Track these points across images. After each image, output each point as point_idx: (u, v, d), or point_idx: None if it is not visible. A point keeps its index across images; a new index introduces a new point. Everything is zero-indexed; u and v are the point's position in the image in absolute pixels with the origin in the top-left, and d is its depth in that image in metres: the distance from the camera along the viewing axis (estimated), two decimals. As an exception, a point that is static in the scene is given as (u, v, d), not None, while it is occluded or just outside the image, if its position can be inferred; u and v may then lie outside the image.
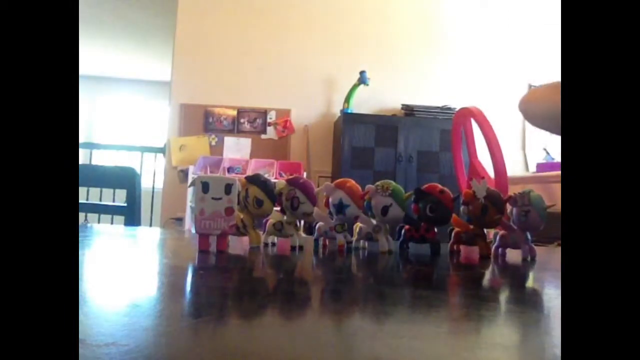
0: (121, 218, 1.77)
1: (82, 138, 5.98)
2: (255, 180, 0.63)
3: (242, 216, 0.63)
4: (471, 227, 0.66)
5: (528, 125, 3.20)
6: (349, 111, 3.10)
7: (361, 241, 0.68)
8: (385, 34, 3.40)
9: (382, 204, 0.63)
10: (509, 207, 0.63)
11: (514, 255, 0.64)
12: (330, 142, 3.35)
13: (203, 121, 3.33)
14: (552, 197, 0.63)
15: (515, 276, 0.55)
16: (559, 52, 3.06)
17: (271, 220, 0.65)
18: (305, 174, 2.96)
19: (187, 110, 3.33)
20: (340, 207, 0.65)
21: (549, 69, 3.31)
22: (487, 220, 0.63)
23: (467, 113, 1.04)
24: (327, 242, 0.69)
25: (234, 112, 3.36)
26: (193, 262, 0.50)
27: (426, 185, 0.67)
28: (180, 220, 3.05)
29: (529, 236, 0.62)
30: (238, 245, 0.65)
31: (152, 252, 0.60)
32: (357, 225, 0.68)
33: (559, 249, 0.87)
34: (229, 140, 3.34)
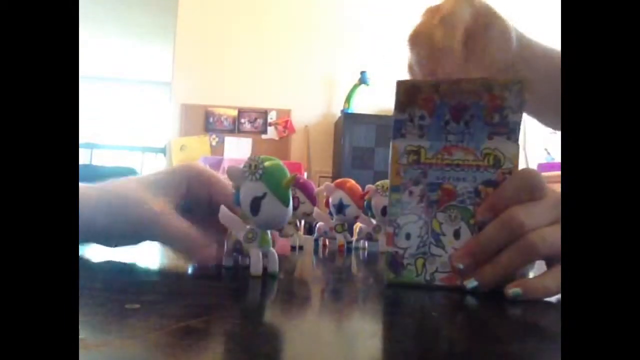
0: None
1: (83, 138, 5.99)
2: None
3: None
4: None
5: (528, 125, 3.20)
6: (350, 111, 3.10)
7: (361, 241, 0.68)
8: (385, 34, 3.40)
9: (382, 204, 0.63)
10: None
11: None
12: (331, 142, 3.35)
13: (204, 121, 3.34)
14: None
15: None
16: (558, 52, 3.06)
17: (271, 220, 0.65)
18: (305, 174, 2.96)
19: (188, 111, 3.33)
20: (340, 207, 0.65)
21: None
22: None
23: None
24: (327, 242, 0.69)
25: (235, 112, 3.36)
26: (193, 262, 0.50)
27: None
28: (180, 220, 3.05)
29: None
30: (238, 245, 0.65)
31: (152, 252, 0.60)
32: (357, 225, 0.68)
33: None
34: (230, 141, 3.35)
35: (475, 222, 0.38)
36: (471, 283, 0.36)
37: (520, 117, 0.37)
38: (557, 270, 0.35)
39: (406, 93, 0.39)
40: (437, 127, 0.39)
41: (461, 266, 0.37)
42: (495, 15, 0.48)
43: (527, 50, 0.52)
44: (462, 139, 0.39)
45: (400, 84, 0.39)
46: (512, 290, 0.34)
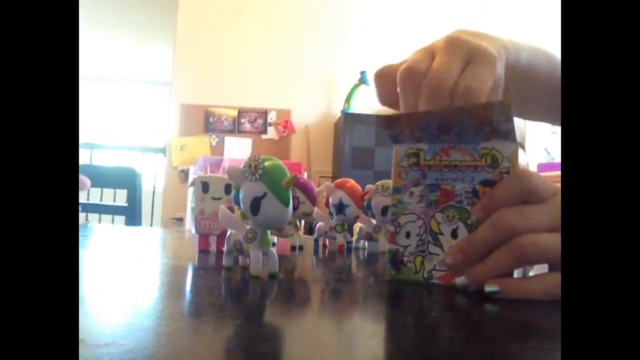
0: (122, 218, 1.78)
1: (83, 138, 5.99)
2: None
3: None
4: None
5: (528, 125, 3.20)
6: (349, 111, 3.10)
7: (361, 241, 0.68)
8: (385, 34, 3.40)
9: (382, 204, 0.63)
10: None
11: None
12: (331, 142, 3.35)
13: (204, 121, 3.34)
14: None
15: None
16: (558, 53, 3.06)
17: (271, 220, 0.65)
18: (305, 174, 2.96)
19: (188, 111, 3.33)
20: (340, 207, 0.65)
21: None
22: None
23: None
24: (327, 242, 0.69)
25: (235, 112, 3.36)
26: (193, 262, 0.50)
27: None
28: (180, 220, 3.05)
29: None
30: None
31: (152, 252, 0.60)
32: (357, 225, 0.68)
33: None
34: (230, 141, 3.35)
35: (471, 222, 0.38)
36: (461, 280, 0.36)
37: (512, 124, 0.37)
38: (549, 275, 0.35)
39: (387, 126, 0.41)
40: (430, 137, 0.40)
41: (451, 262, 0.37)
42: (477, 50, 0.42)
43: (522, 59, 0.50)
44: (458, 141, 0.39)
45: (380, 120, 0.41)
46: (490, 286, 0.34)
